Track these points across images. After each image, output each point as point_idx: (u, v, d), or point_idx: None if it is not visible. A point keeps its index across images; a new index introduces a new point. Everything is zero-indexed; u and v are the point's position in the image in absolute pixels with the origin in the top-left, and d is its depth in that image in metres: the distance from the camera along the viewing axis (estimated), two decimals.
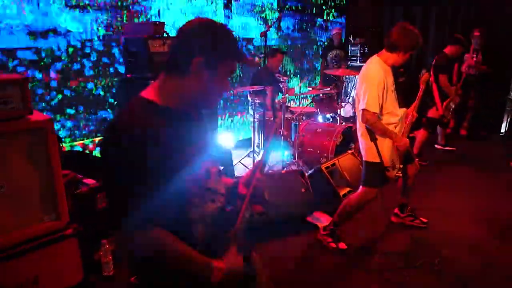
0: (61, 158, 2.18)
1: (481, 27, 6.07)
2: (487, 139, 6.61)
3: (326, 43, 7.12)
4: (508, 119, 6.69)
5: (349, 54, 7.11)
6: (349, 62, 6.81)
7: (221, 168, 1.55)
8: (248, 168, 4.43)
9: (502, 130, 6.79)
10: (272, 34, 6.07)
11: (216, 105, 1.27)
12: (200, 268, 1.19)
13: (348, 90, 5.81)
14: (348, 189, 3.72)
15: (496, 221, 3.56)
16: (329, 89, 4.87)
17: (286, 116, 4.32)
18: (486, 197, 4.15)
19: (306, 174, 3.58)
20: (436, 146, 5.81)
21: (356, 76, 3.88)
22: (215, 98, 1.32)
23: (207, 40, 1.18)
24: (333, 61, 6.41)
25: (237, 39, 1.27)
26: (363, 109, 2.72)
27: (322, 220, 3.43)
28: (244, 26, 5.69)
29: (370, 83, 2.71)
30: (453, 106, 5.02)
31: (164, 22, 3.43)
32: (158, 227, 1.13)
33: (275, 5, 6.13)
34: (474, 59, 6.05)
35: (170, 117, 1.20)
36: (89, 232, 2.51)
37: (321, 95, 4.87)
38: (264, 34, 4.27)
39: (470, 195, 4.20)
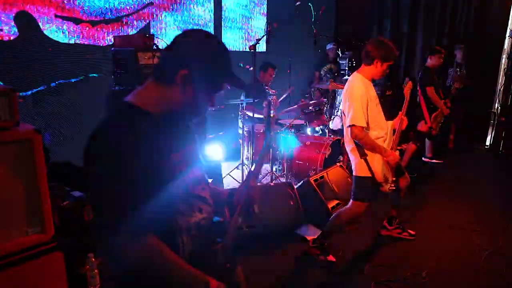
0: (47, 169, 2.16)
1: (464, 42, 6.25)
2: (473, 151, 6.74)
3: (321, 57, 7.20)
4: (493, 132, 6.83)
5: (339, 68, 7.20)
6: (339, 77, 6.90)
7: (210, 180, 1.54)
8: (237, 181, 4.42)
9: (487, 143, 6.93)
10: (262, 47, 6.14)
11: (200, 116, 1.24)
12: (194, 282, 1.16)
13: (337, 103, 5.88)
14: (336, 201, 3.74)
15: (482, 232, 3.61)
16: (315, 102, 4.93)
17: (275, 129, 4.35)
18: (472, 209, 4.20)
19: (295, 186, 3.59)
20: (423, 159, 5.89)
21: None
22: (199, 111, 1.29)
23: (196, 55, 1.17)
24: (327, 75, 6.49)
25: (231, 59, 1.27)
26: (350, 125, 2.76)
27: (311, 232, 3.43)
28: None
29: (353, 99, 2.76)
30: (442, 119, 5.12)
31: (154, 35, 3.45)
32: (150, 235, 1.10)
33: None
34: (458, 73, 6.20)
35: (155, 123, 1.17)
36: (76, 246, 2.47)
37: (310, 108, 4.91)
38: (253, 48, 4.31)
39: (457, 207, 4.26)
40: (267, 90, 4.68)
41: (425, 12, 7.35)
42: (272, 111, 4.33)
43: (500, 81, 7.03)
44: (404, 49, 7.46)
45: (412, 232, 3.50)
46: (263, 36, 4.65)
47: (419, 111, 5.08)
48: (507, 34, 6.86)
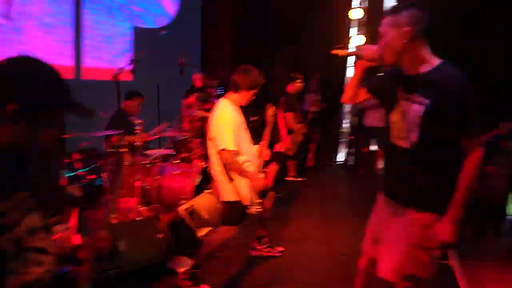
0: None
1: (317, 71, 7.08)
2: (329, 167, 7.59)
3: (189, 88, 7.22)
4: (345, 149, 7.81)
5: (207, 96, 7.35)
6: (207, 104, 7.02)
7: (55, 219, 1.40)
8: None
9: (340, 159, 7.88)
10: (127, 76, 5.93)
11: (48, 150, 1.13)
12: None
13: (204, 130, 5.98)
14: (208, 229, 3.73)
15: (343, 241, 4.02)
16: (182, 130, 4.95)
17: (140, 160, 4.18)
18: (334, 221, 4.67)
19: (163, 218, 3.48)
20: (286, 179, 6.33)
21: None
22: (40, 148, 1.17)
23: (22, 86, 1.06)
24: (197, 103, 6.53)
25: (64, 85, 1.17)
26: (221, 150, 2.78)
27: (183, 264, 3.35)
28: None
29: (223, 123, 2.81)
30: (299, 140, 5.65)
31: None
32: None
33: None
34: (314, 98, 6.96)
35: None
36: None
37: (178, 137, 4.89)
38: (116, 77, 4.14)
39: (321, 220, 4.69)
40: (131, 121, 4.49)
41: (283, 43, 8.12)
42: (137, 141, 4.18)
43: (346, 104, 8.10)
44: (265, 77, 8.09)
45: (280, 249, 3.71)
46: (128, 64, 4.49)
47: (277, 133, 5.51)
48: (347, 64, 7.99)
